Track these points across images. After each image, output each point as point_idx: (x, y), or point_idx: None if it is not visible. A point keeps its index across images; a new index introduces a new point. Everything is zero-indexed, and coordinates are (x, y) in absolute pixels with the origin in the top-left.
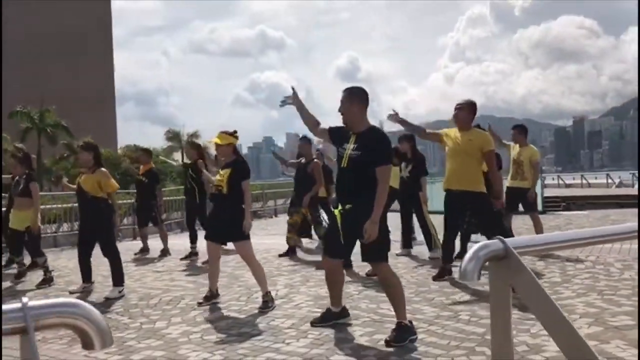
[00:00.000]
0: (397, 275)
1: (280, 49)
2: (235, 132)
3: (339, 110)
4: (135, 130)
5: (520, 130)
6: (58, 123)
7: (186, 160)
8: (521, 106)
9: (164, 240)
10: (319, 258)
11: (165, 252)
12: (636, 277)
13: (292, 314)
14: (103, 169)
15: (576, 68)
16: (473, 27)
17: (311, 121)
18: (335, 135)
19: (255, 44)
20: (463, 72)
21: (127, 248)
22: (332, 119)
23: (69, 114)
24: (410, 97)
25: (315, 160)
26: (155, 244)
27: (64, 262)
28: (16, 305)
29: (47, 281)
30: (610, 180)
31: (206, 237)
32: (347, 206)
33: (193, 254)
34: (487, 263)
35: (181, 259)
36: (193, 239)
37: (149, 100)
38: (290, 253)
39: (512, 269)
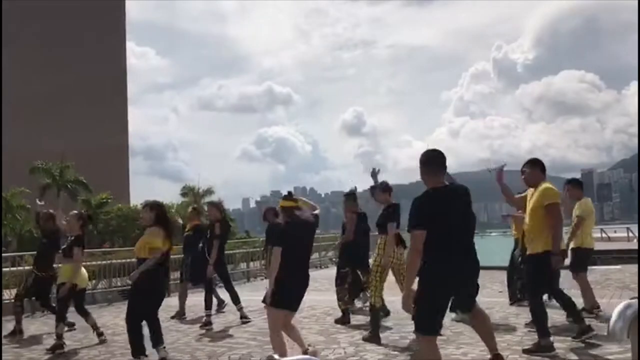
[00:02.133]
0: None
1: (287, 104)
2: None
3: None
4: (142, 185)
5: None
6: (77, 179)
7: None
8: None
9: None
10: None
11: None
12: None
13: None
14: (154, 228)
15: (580, 122)
16: (476, 83)
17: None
18: None
19: (262, 100)
20: (467, 126)
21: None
22: (337, 172)
23: (85, 168)
24: (415, 150)
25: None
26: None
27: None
28: None
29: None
30: (630, 234)
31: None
32: None
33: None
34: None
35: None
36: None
37: (158, 155)
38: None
39: None
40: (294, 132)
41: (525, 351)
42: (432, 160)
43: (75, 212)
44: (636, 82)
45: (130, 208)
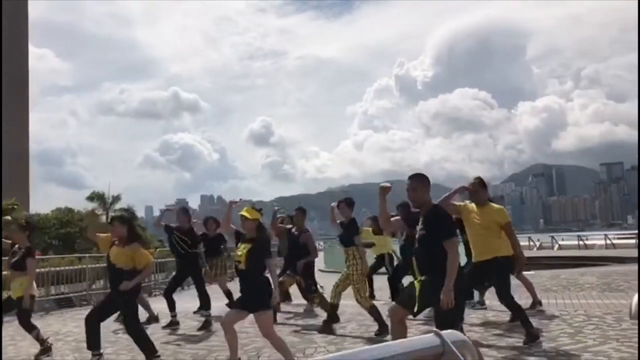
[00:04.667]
0: None
1: (193, 111)
2: (260, 209)
3: (410, 198)
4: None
5: None
6: None
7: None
8: (426, 172)
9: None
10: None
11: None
12: None
13: None
14: (136, 244)
15: (474, 137)
16: (379, 98)
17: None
18: (411, 222)
19: (167, 105)
20: (371, 139)
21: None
22: (246, 181)
23: None
24: (322, 161)
25: (308, 232)
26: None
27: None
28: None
29: (46, 350)
30: (532, 243)
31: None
32: (423, 277)
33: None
34: None
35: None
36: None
37: (55, 160)
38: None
39: None
40: (201, 139)
41: (526, 343)
42: (429, 182)
43: (17, 224)
44: (524, 103)
45: (36, 216)
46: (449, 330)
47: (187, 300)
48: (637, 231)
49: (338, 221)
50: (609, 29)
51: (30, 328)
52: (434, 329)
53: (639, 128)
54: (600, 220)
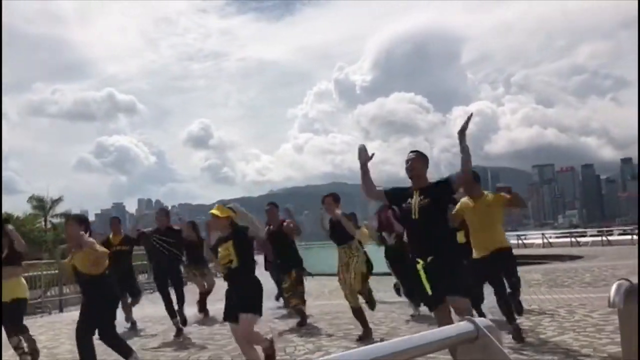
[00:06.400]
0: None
1: (130, 112)
2: (231, 207)
3: (408, 168)
4: None
5: None
6: None
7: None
8: None
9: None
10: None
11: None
12: None
13: None
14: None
15: (410, 140)
16: (320, 102)
17: (371, 182)
18: (393, 197)
19: (102, 107)
20: (311, 142)
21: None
22: (185, 184)
23: None
24: (263, 164)
25: (288, 222)
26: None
27: None
28: None
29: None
30: None
31: (226, 319)
32: (429, 259)
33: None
34: None
35: None
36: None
37: None
38: (303, 320)
39: None
40: (137, 142)
41: (517, 339)
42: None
43: None
44: (458, 108)
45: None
46: (481, 318)
47: (154, 305)
48: (570, 231)
49: (328, 220)
50: (537, 36)
51: (23, 327)
52: (468, 317)
53: (639, 127)
54: (533, 220)
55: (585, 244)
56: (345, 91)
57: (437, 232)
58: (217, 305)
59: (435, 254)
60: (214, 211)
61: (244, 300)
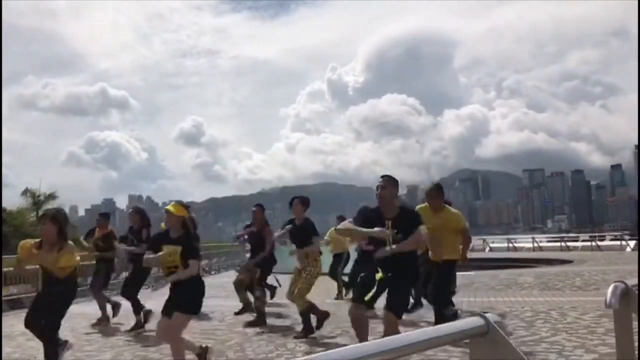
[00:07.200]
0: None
1: (122, 108)
2: (188, 206)
3: (378, 197)
4: None
5: None
6: None
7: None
8: (357, 175)
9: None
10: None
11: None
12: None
13: None
14: (70, 245)
15: (402, 142)
16: (312, 102)
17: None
18: (366, 224)
19: (94, 102)
20: (303, 142)
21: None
22: (175, 181)
23: None
24: (255, 162)
25: (269, 227)
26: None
27: None
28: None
29: None
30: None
31: (162, 313)
32: (389, 274)
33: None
34: None
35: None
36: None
37: None
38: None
39: None
40: (129, 137)
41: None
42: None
43: None
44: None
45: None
46: (490, 313)
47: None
48: (562, 235)
49: (288, 222)
50: (528, 42)
51: None
52: (479, 312)
53: (639, 129)
54: (523, 224)
55: (575, 248)
56: (338, 92)
57: (403, 259)
58: (210, 302)
59: (394, 274)
60: (169, 207)
61: (182, 299)
